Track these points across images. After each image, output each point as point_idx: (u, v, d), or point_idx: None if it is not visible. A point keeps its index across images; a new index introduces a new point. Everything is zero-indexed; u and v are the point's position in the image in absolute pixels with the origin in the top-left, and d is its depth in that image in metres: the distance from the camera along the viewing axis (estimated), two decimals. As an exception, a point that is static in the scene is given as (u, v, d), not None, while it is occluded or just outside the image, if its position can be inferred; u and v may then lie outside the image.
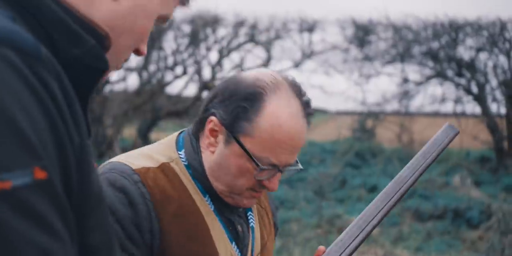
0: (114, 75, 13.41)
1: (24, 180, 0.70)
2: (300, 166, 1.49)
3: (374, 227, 1.51)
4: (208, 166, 1.46)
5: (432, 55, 12.10)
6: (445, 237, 7.40)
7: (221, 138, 1.43)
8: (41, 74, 0.76)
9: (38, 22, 0.84)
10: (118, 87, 13.21)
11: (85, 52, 0.86)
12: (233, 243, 1.48)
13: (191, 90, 18.81)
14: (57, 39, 0.85)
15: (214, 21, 13.10)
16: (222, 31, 13.29)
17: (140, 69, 12.78)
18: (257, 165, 1.40)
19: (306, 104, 1.45)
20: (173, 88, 15.74)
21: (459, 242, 7.27)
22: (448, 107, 13.52)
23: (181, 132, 1.53)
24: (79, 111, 0.82)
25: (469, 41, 12.12)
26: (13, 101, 0.71)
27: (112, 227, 0.87)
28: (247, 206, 1.48)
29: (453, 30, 11.99)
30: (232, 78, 1.45)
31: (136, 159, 1.44)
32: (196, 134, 1.47)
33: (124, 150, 11.20)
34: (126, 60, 0.98)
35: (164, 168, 1.44)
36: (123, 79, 12.98)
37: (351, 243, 1.47)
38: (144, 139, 12.18)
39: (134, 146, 11.42)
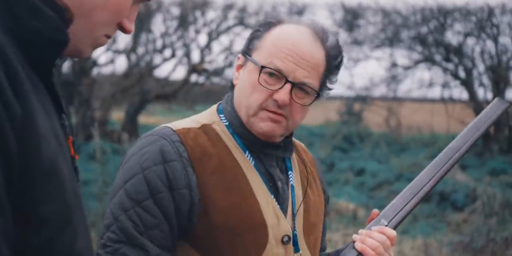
0: (102, 57, 13.38)
1: None
2: (311, 88, 1.48)
3: (426, 193, 1.57)
4: (235, 101, 1.52)
5: (421, 39, 12.16)
6: (430, 220, 7.50)
7: (242, 67, 1.53)
8: None
9: None
10: (106, 69, 13.21)
11: (44, 24, 0.86)
12: (273, 195, 1.50)
13: (180, 73, 18.79)
14: (17, 11, 0.85)
15: (203, 4, 13.06)
16: (211, 14, 13.29)
17: (129, 52, 12.75)
18: (259, 65, 1.46)
19: (326, 42, 1.51)
20: (162, 71, 15.74)
21: (444, 225, 7.37)
22: (436, 92, 13.61)
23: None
24: (23, 81, 0.81)
25: (457, 26, 12.19)
26: None
27: (72, 200, 0.85)
28: (266, 131, 1.47)
29: (442, 15, 12.04)
30: None
31: (180, 122, 1.52)
32: (231, 88, 1.55)
33: (112, 132, 11.20)
34: (108, 36, 0.98)
35: (205, 129, 1.50)
36: (111, 62, 12.95)
37: (404, 206, 1.54)
38: (132, 122, 12.18)
39: (122, 129, 11.43)
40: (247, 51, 1.52)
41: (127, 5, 0.96)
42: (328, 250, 1.73)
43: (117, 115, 12.89)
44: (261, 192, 1.49)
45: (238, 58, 1.54)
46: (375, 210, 1.55)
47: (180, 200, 1.41)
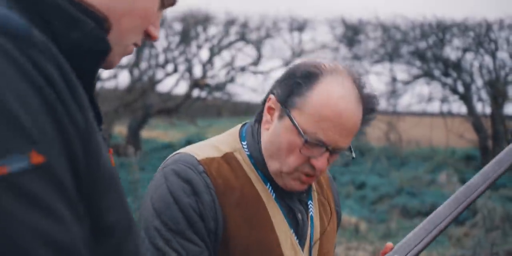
0: (105, 72, 13.49)
1: (21, 165, 0.68)
2: (353, 154, 1.50)
3: (441, 231, 1.55)
4: (263, 145, 1.49)
5: (420, 55, 12.28)
6: (431, 233, 7.55)
7: (276, 115, 1.47)
8: (34, 57, 0.74)
9: (36, 9, 0.81)
10: (109, 84, 13.31)
11: (85, 35, 0.84)
12: (292, 230, 1.49)
13: (182, 88, 18.88)
14: (55, 24, 0.82)
15: (205, 20, 13.20)
16: (213, 30, 13.40)
17: (131, 67, 12.87)
18: (304, 138, 1.41)
19: (365, 95, 1.47)
20: (164, 86, 15.79)
21: (445, 239, 7.44)
22: (435, 106, 13.71)
23: (245, 123, 1.57)
24: (82, 95, 0.79)
25: (456, 42, 12.30)
26: (4, 87, 0.70)
27: (128, 209, 0.85)
28: (296, 189, 1.47)
29: (440, 31, 12.18)
30: (294, 63, 1.52)
31: (201, 149, 1.49)
32: (259, 122, 1.52)
33: (116, 146, 11.29)
34: (136, 45, 0.96)
35: (228, 158, 1.49)
36: (114, 77, 13.07)
37: (418, 243, 1.53)
38: (134, 136, 12.27)
39: (126, 143, 11.52)
40: (285, 104, 1.45)
41: (154, 10, 0.94)
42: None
43: (119, 129, 12.98)
44: (281, 226, 1.48)
45: (269, 99, 1.48)
46: (389, 244, 1.54)
47: (209, 232, 1.42)
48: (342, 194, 9.10)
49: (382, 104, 13.06)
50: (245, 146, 1.51)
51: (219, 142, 1.53)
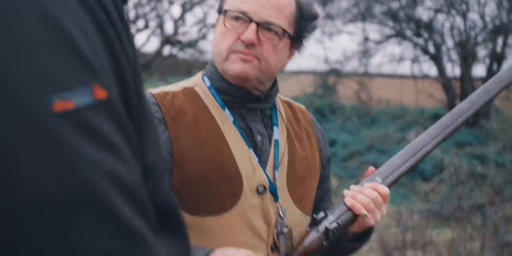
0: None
1: (86, 100, 0.64)
2: (278, 27, 1.47)
3: (427, 153, 1.53)
4: (212, 55, 1.54)
5: (392, 15, 12.31)
6: (399, 189, 7.75)
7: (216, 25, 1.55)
8: None
9: None
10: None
11: None
12: (251, 149, 1.49)
13: (153, 45, 18.68)
14: None
15: (177, -25, 13.02)
16: (185, -15, 13.23)
17: (103, 22, 12.65)
18: (224, 9, 1.49)
19: None
20: (135, 42, 15.57)
21: (413, 194, 7.65)
22: (406, 67, 13.86)
23: None
24: (128, 23, 0.75)
25: (428, 2, 12.35)
26: (66, 17, 0.66)
27: (160, 146, 0.82)
28: (238, 72, 1.47)
29: (413, -9, 12.21)
30: None
31: (164, 87, 1.54)
32: None
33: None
34: None
35: (186, 91, 1.53)
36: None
37: (402, 165, 1.52)
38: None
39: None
40: (219, 9, 1.55)
41: None
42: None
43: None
44: (237, 145, 1.48)
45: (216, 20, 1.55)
46: (371, 168, 1.54)
47: None
48: (313, 151, 9.24)
49: (354, 63, 13.17)
50: (206, 80, 1.55)
51: (183, 82, 1.58)
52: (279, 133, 1.56)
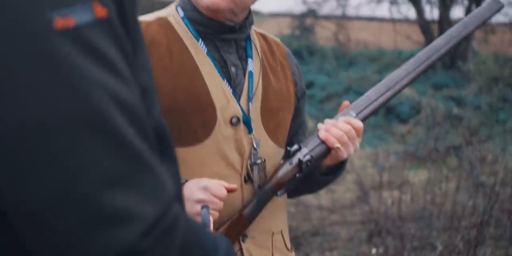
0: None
1: (86, 18, 0.63)
2: None
3: (402, 87, 1.53)
4: None
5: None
6: (377, 131, 7.81)
7: None
8: None
9: None
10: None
11: None
12: (225, 80, 1.48)
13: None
14: None
15: None
16: None
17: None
18: None
19: None
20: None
21: (389, 136, 7.72)
22: (384, 10, 13.73)
23: None
24: None
25: None
26: None
27: (151, 69, 0.81)
28: (209, 4, 1.44)
29: None
30: None
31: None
32: None
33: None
34: None
35: (160, 21, 1.49)
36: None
37: (377, 98, 1.52)
38: None
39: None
40: None
41: None
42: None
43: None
44: (211, 75, 1.46)
45: None
46: (346, 102, 1.54)
47: None
48: (291, 93, 9.23)
49: (332, 5, 13.02)
50: (180, 10, 1.52)
51: (157, 12, 1.54)
52: (253, 65, 1.54)
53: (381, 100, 1.52)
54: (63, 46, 0.61)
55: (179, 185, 0.79)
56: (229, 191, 1.39)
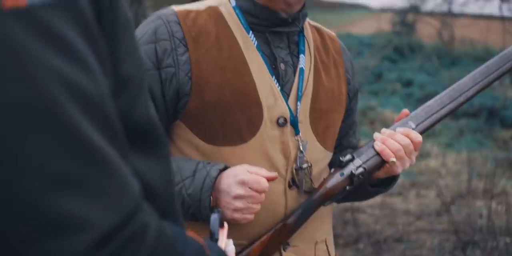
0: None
1: None
2: None
3: (467, 99, 1.44)
4: None
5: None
6: (477, 135, 7.45)
7: None
8: None
9: None
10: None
11: None
12: (274, 77, 1.41)
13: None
14: None
15: None
16: None
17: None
18: None
19: None
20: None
21: (490, 141, 7.32)
22: (493, 7, 13.09)
23: None
24: None
25: None
26: None
27: (141, 58, 0.74)
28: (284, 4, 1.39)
29: None
30: None
31: (188, 5, 1.45)
32: None
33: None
34: None
35: (210, 11, 1.43)
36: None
37: (439, 110, 1.43)
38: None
39: None
40: None
41: None
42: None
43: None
44: (259, 72, 1.40)
45: None
46: (405, 110, 1.45)
47: (166, 79, 1.36)
48: (388, 90, 8.94)
49: (437, 1, 12.52)
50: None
51: (207, 0, 1.48)
52: (304, 62, 1.46)
53: (443, 112, 1.43)
54: (13, 28, 0.55)
55: (171, 184, 0.74)
56: (269, 180, 1.32)
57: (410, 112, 1.44)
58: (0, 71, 0.54)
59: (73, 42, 0.58)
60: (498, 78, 1.46)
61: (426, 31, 12.52)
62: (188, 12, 1.41)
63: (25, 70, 0.55)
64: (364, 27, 13.14)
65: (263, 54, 1.42)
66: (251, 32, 1.42)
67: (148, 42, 1.37)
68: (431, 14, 12.47)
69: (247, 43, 1.41)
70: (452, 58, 11.06)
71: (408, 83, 9.09)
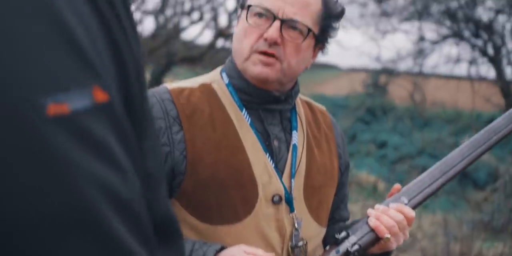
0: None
1: (84, 103, 0.57)
2: (303, 25, 1.40)
3: (456, 173, 1.45)
4: (232, 51, 1.47)
5: (450, 14, 12.00)
6: (451, 196, 7.53)
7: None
8: None
9: None
10: (134, 30, 13.20)
11: None
12: (268, 154, 1.43)
13: (207, 37, 18.75)
14: None
15: (233, -32, 12.94)
16: (241, -21, 13.16)
17: (157, 13, 12.72)
18: (247, 4, 1.41)
19: None
20: (189, 34, 15.65)
21: (464, 202, 7.40)
22: (462, 68, 13.48)
23: None
24: (133, 14, 0.68)
25: (489, 2, 11.99)
26: (66, 9, 0.58)
27: (161, 150, 0.78)
28: (258, 74, 1.41)
29: (474, -10, 11.86)
30: None
31: (181, 82, 1.48)
32: None
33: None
34: None
35: (203, 88, 1.45)
36: (139, 22, 12.94)
37: (431, 184, 1.43)
38: (157, 83, 12.22)
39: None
40: (242, 4, 1.46)
41: None
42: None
43: (142, 76, 12.93)
44: (253, 149, 1.41)
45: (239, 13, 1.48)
46: (397, 185, 1.45)
47: (165, 156, 1.37)
48: (362, 152, 9.04)
49: (408, 63, 12.87)
50: (225, 77, 1.48)
51: (200, 77, 1.51)
52: (297, 138, 1.49)
53: (434, 186, 1.44)
54: (56, 135, 0.56)
55: None
56: None
57: (402, 186, 1.46)
58: (43, 181, 0.56)
59: (111, 145, 0.59)
60: (485, 151, 1.47)
61: (398, 93, 12.77)
62: (182, 90, 1.43)
63: (67, 177, 0.56)
64: (335, 88, 13.37)
65: (257, 131, 1.44)
66: (244, 109, 1.44)
67: None
68: (403, 75, 12.77)
69: (241, 121, 1.43)
70: (424, 120, 11.28)
71: (382, 145, 9.23)
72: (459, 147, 1.47)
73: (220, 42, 13.26)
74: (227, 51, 14.11)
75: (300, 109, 1.54)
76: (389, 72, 12.90)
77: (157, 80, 12.31)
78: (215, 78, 1.49)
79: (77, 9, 0.59)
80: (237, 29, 1.45)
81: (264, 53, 1.39)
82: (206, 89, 1.46)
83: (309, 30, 1.41)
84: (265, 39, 1.38)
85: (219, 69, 1.53)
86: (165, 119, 1.38)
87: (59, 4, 0.57)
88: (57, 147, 0.56)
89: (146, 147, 0.69)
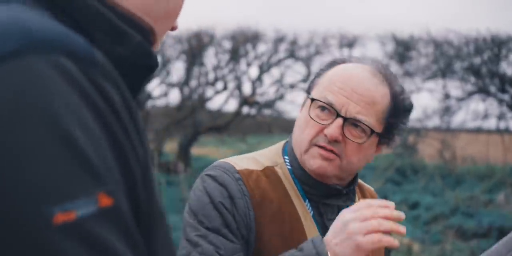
0: (156, 90, 13.62)
1: (89, 210, 0.60)
2: (366, 125, 1.38)
3: None
4: (293, 139, 1.47)
5: (474, 70, 11.98)
6: None
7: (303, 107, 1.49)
8: (98, 82, 0.65)
9: (77, 19, 0.71)
10: (160, 102, 13.44)
11: (132, 50, 0.74)
12: None
13: (232, 105, 18.99)
14: (99, 37, 0.72)
15: (254, 37, 13.20)
16: (262, 47, 13.43)
17: (182, 85, 12.94)
18: (310, 96, 1.43)
19: (390, 77, 1.43)
20: (214, 103, 15.88)
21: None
22: (491, 123, 13.32)
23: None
24: (139, 117, 0.70)
25: (512, 57, 11.98)
26: (69, 117, 0.61)
27: (173, 246, 0.78)
28: (316, 169, 1.40)
29: (496, 46, 11.86)
30: None
31: (241, 161, 1.47)
32: None
33: (165, 164, 11.32)
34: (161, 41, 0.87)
35: (268, 172, 1.45)
36: (164, 95, 13.16)
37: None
38: (185, 153, 12.28)
39: (176, 160, 11.54)
40: (308, 90, 1.48)
41: (181, 7, 0.85)
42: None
43: (169, 147, 13.04)
44: None
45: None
46: None
47: (242, 237, 1.39)
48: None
49: (435, 121, 12.78)
50: (287, 161, 1.47)
51: (260, 156, 1.50)
52: None
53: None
54: (62, 242, 0.58)
55: None
56: None
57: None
58: None
59: (116, 246, 0.62)
60: None
61: (428, 151, 12.62)
62: (250, 172, 1.42)
63: None
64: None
65: (318, 226, 1.44)
66: (307, 200, 1.44)
67: (224, 196, 1.37)
68: (432, 133, 12.65)
69: (305, 213, 1.43)
70: (455, 177, 11.07)
71: (414, 205, 9.03)
72: (504, 239, 1.43)
73: (245, 110, 13.38)
74: (252, 118, 14.23)
75: (355, 199, 1.53)
76: (417, 132, 12.80)
77: (185, 151, 12.38)
78: (278, 160, 1.48)
79: (82, 123, 0.61)
80: (301, 115, 1.45)
81: (324, 148, 1.39)
82: (272, 173, 1.45)
83: (372, 130, 1.39)
84: (326, 135, 1.38)
85: (279, 147, 1.51)
86: (244, 200, 1.39)
87: (60, 112, 0.60)
88: (64, 252, 0.58)
89: (158, 243, 0.71)
